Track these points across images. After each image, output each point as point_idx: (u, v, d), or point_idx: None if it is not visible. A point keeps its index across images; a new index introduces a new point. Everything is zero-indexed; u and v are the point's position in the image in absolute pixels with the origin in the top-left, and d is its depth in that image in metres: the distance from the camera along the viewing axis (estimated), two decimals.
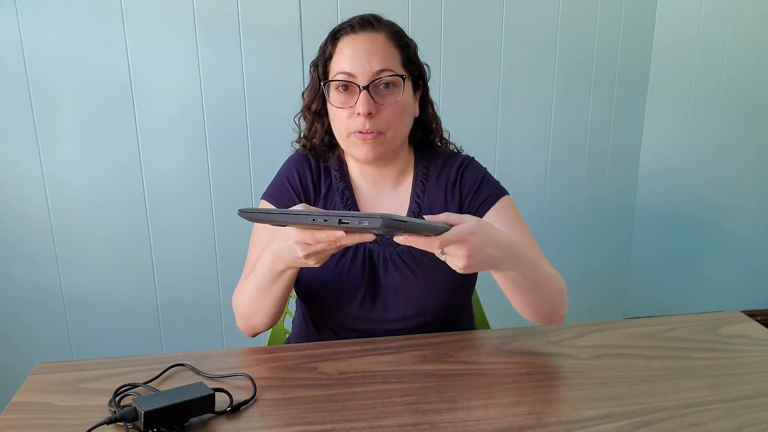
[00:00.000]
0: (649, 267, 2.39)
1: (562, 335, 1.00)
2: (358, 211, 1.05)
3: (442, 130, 1.12)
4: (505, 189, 1.08)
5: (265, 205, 1.07)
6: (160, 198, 1.80)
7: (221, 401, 0.80)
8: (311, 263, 0.82)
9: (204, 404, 0.77)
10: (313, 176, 1.06)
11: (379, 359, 0.92)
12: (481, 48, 1.92)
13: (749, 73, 2.27)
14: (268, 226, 1.04)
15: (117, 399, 0.80)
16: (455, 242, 0.76)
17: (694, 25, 2.19)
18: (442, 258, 0.79)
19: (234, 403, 0.79)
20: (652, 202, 2.30)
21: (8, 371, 1.78)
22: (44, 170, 1.72)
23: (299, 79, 1.76)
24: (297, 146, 1.12)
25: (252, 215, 0.76)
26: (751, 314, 1.24)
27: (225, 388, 0.83)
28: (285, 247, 0.82)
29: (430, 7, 1.83)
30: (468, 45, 1.89)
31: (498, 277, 0.90)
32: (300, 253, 0.79)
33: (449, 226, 0.76)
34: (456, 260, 0.78)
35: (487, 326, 1.30)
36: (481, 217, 1.02)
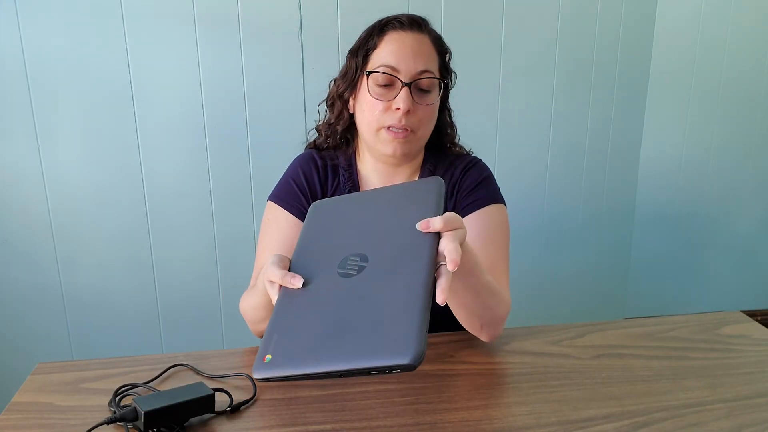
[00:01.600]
0: (649, 267, 2.39)
1: (562, 335, 1.00)
2: None
3: (455, 137, 1.12)
4: (501, 198, 1.06)
5: (273, 207, 1.05)
6: (160, 198, 1.80)
7: (221, 401, 0.80)
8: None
9: (204, 404, 0.77)
10: (320, 175, 1.07)
11: None
12: (481, 48, 1.92)
13: (749, 72, 2.28)
14: (280, 213, 1.03)
15: (117, 399, 0.80)
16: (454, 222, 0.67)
17: (694, 25, 2.19)
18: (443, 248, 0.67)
19: (234, 403, 0.79)
20: (652, 202, 2.30)
21: (8, 371, 1.78)
22: (44, 170, 1.72)
23: (299, 79, 1.76)
24: (314, 135, 1.13)
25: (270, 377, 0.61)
26: (751, 314, 1.24)
27: (225, 388, 0.83)
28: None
29: (430, 7, 1.83)
30: (468, 45, 1.89)
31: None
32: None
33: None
34: (455, 249, 0.65)
35: None
36: (464, 217, 1.01)
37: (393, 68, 0.96)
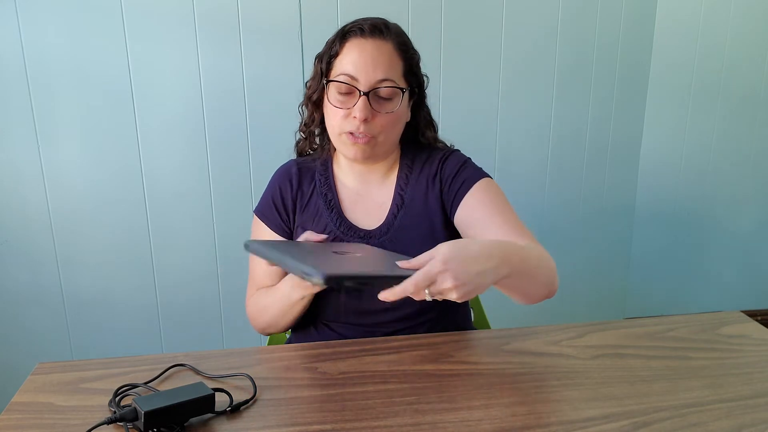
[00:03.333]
0: (649, 266, 2.39)
1: (562, 335, 1.00)
2: (341, 212, 1.07)
3: (436, 134, 1.12)
4: (486, 173, 1.07)
5: (257, 222, 1.12)
6: (160, 198, 1.80)
7: (221, 401, 0.80)
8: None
9: (204, 404, 0.77)
10: (293, 188, 1.10)
11: (379, 359, 0.92)
12: (481, 48, 1.92)
13: (749, 71, 2.28)
14: (264, 229, 1.11)
15: (117, 399, 0.80)
16: (434, 277, 0.73)
17: (694, 24, 2.19)
18: (432, 298, 0.75)
19: (234, 403, 0.79)
20: (651, 201, 2.30)
21: (8, 371, 1.78)
22: (44, 170, 1.72)
23: (299, 79, 1.76)
24: (298, 135, 1.15)
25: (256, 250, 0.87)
26: (751, 314, 1.24)
27: (225, 388, 0.83)
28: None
29: (430, 7, 1.83)
30: (468, 45, 1.89)
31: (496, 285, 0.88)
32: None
33: (409, 271, 0.74)
34: (449, 294, 0.75)
35: (487, 326, 1.30)
36: (460, 202, 1.03)
37: (351, 77, 0.96)
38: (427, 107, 1.11)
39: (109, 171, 1.75)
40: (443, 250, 0.75)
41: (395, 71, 0.99)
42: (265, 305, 1.05)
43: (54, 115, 1.69)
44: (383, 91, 0.97)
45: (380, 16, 1.03)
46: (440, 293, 0.75)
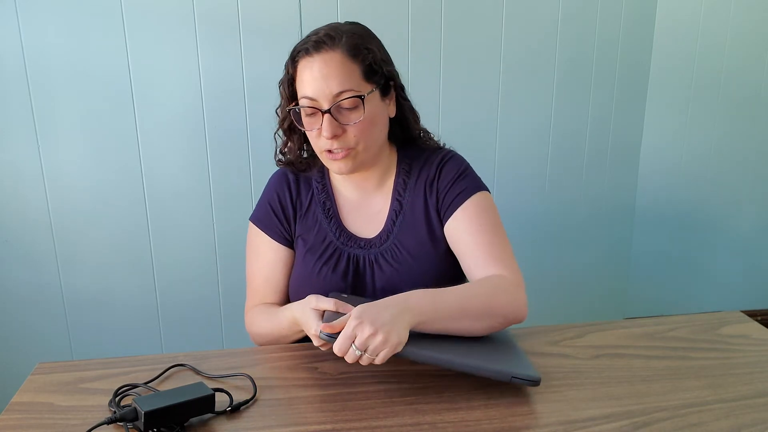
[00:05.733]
0: (650, 266, 2.39)
1: (562, 335, 1.00)
2: (340, 222, 1.07)
3: (419, 123, 1.10)
4: (484, 185, 1.06)
5: (254, 229, 1.10)
6: (160, 198, 1.80)
7: (221, 401, 0.80)
8: None
9: (204, 404, 0.77)
10: (293, 195, 1.08)
11: None
12: (481, 48, 1.92)
13: (749, 72, 2.28)
14: (263, 237, 1.08)
15: (117, 399, 0.80)
16: (353, 333, 0.78)
17: (694, 24, 2.19)
18: (363, 356, 0.79)
19: (234, 403, 0.79)
20: (651, 201, 2.30)
21: (8, 371, 1.78)
22: (44, 170, 1.72)
23: None
24: (277, 159, 1.13)
25: None
26: (751, 314, 1.24)
27: (225, 388, 0.83)
28: (305, 323, 0.90)
29: (430, 7, 1.83)
30: (468, 45, 1.89)
31: (422, 331, 0.87)
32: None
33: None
34: (372, 341, 0.78)
35: None
36: (452, 214, 1.03)
37: (311, 98, 0.95)
38: (406, 97, 1.07)
39: (109, 171, 1.75)
40: (354, 311, 0.80)
41: (352, 79, 0.95)
42: (263, 328, 1.04)
43: (54, 115, 1.69)
44: (344, 103, 0.95)
45: (333, 24, 1.01)
46: (365, 345, 0.78)
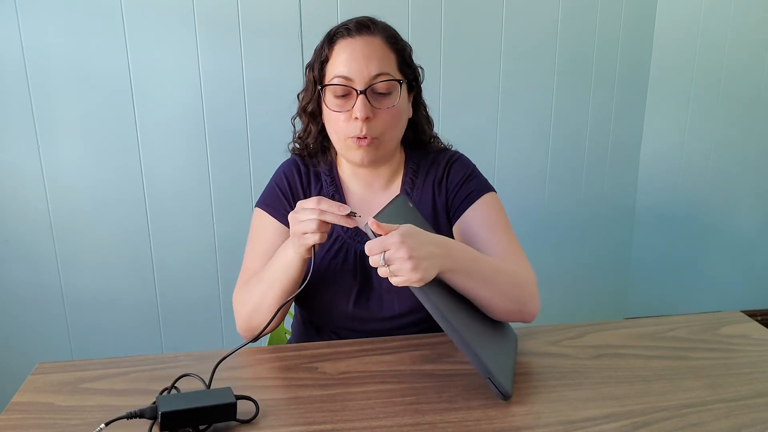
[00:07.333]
0: (649, 266, 2.39)
1: (562, 335, 1.00)
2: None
3: (433, 132, 1.12)
4: (491, 186, 1.08)
5: (260, 213, 1.07)
6: (160, 198, 1.80)
7: (243, 411, 0.77)
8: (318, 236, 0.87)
9: (225, 412, 0.75)
10: (303, 181, 1.08)
11: (379, 359, 0.92)
12: (481, 48, 1.92)
13: (749, 72, 2.28)
14: (268, 221, 1.06)
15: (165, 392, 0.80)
16: (389, 246, 0.77)
17: (694, 24, 2.19)
18: (385, 269, 0.79)
19: (258, 413, 0.77)
20: (652, 201, 2.30)
21: (8, 371, 1.78)
22: (44, 170, 1.72)
23: (299, 79, 1.75)
24: (292, 146, 1.13)
25: None
26: (751, 314, 1.24)
27: (251, 396, 0.80)
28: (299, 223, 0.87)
29: (430, 7, 1.83)
30: (468, 45, 1.89)
31: (448, 281, 0.87)
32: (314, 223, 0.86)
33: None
34: (402, 263, 0.77)
35: None
36: (463, 213, 1.04)
37: (346, 78, 0.95)
38: (424, 101, 1.09)
39: (109, 171, 1.75)
40: (403, 228, 0.79)
41: (389, 64, 0.97)
42: (259, 277, 0.98)
43: (54, 115, 1.69)
44: (380, 86, 0.96)
45: (369, 16, 1.01)
46: (392, 262, 0.77)
